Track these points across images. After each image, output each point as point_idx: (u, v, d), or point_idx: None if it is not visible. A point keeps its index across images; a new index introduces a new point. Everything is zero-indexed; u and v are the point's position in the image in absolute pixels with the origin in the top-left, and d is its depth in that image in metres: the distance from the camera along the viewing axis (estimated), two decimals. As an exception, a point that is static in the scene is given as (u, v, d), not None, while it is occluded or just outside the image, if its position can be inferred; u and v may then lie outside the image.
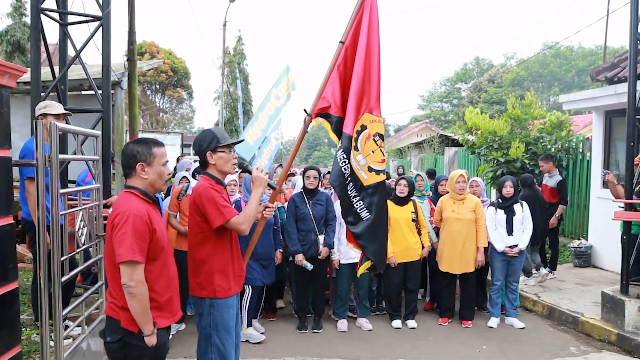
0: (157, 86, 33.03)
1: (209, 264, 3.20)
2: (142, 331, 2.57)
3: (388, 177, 9.60)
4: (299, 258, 5.55)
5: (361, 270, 3.89)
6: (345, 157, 3.55)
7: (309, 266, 5.54)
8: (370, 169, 3.51)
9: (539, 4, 64.92)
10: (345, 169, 3.55)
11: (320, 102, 3.58)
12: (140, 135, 10.87)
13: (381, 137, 3.53)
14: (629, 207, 5.88)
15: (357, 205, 3.54)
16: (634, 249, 5.90)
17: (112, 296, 2.65)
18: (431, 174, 11.23)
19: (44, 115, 4.55)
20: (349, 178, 3.55)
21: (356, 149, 3.53)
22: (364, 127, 3.53)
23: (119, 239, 2.51)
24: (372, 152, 3.51)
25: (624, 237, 5.86)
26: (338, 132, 3.62)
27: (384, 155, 3.50)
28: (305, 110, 3.69)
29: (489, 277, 6.51)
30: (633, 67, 5.80)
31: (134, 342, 2.59)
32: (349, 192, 3.56)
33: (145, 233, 2.57)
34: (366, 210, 3.52)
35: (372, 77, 3.55)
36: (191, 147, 21.85)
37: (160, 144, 2.80)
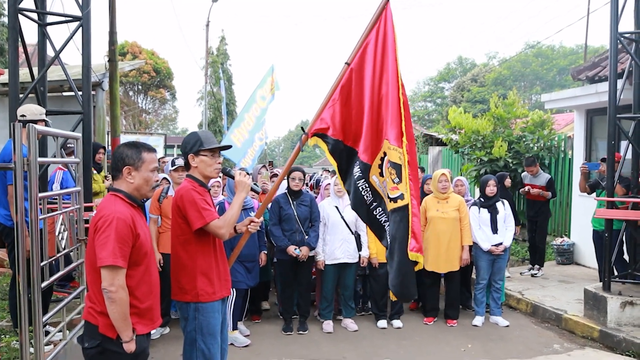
0: (140, 87, 32.72)
1: (192, 267, 3.17)
2: (121, 337, 2.52)
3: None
4: (291, 249, 5.53)
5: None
6: (366, 185, 3.51)
7: (300, 253, 5.54)
8: (388, 197, 3.48)
9: (520, 3, 65.59)
10: (367, 195, 3.52)
11: (318, 123, 3.52)
12: (122, 137, 10.74)
13: (394, 165, 3.41)
14: (611, 205, 5.95)
15: (387, 229, 3.50)
16: (601, 247, 5.98)
17: (91, 301, 2.60)
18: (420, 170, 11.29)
19: (44, 121, 4.54)
20: (374, 203, 3.52)
21: (381, 174, 3.49)
22: (385, 154, 3.48)
23: (102, 242, 2.47)
24: (387, 180, 3.49)
25: (606, 235, 5.93)
26: (335, 153, 3.55)
27: (394, 183, 3.44)
28: (302, 129, 3.65)
29: (473, 276, 6.55)
30: (614, 67, 5.87)
31: (113, 349, 2.53)
32: (378, 217, 3.53)
33: (128, 237, 2.53)
34: (389, 235, 3.49)
35: (389, 104, 3.43)
36: (175, 148, 21.73)
37: (152, 150, 2.77)
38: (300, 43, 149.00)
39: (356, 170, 3.53)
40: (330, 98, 3.54)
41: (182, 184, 3.29)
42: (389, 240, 3.46)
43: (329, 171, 13.98)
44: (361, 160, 3.51)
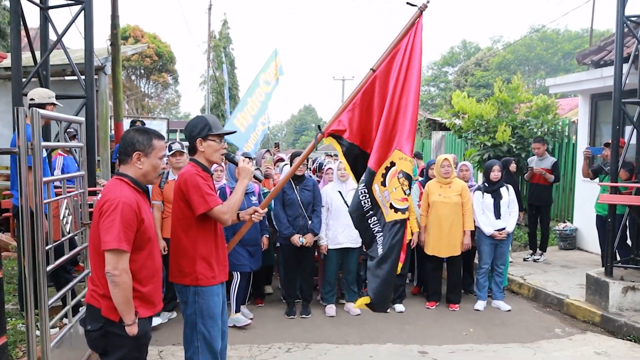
0: (142, 71, 32.63)
1: (192, 250, 3.19)
2: (124, 320, 2.54)
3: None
4: (295, 239, 5.56)
5: (357, 304, 3.83)
6: (366, 191, 3.48)
7: (304, 241, 5.58)
8: (391, 206, 3.44)
9: (525, -14, 64.78)
10: (365, 202, 3.48)
11: (335, 124, 3.49)
12: (125, 121, 10.74)
13: (406, 176, 3.41)
14: (614, 190, 5.94)
15: (379, 240, 3.48)
16: (605, 231, 5.98)
17: (93, 284, 2.62)
18: (418, 156, 11.30)
19: (53, 104, 4.53)
20: (370, 212, 3.48)
21: (383, 184, 3.46)
22: (392, 164, 3.44)
23: (107, 226, 2.48)
24: (395, 189, 3.42)
25: (609, 220, 5.93)
26: (349, 156, 3.53)
27: (405, 194, 3.41)
28: (318, 127, 3.62)
29: (475, 261, 6.56)
30: (619, 51, 5.82)
31: (115, 331, 2.56)
32: (372, 227, 3.50)
33: (133, 222, 2.54)
34: (381, 247, 3.47)
35: (407, 115, 3.41)
36: (177, 133, 21.71)
37: (161, 137, 2.78)
38: (302, 27, 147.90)
39: (364, 175, 3.51)
40: (350, 101, 3.50)
41: (185, 168, 3.29)
42: (379, 250, 3.45)
43: (332, 156, 13.98)
44: (368, 167, 3.48)
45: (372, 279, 3.48)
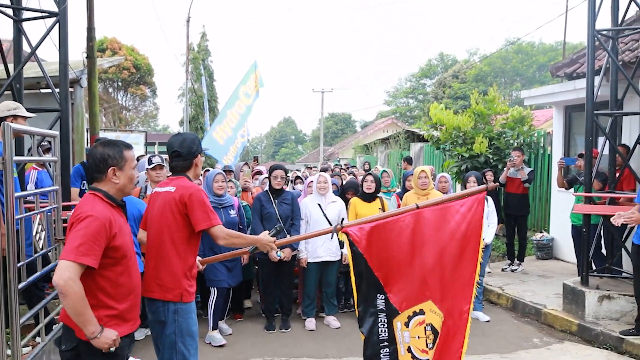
0: (120, 83, 32.33)
1: (180, 265, 3.14)
2: (85, 334, 2.42)
3: (354, 174, 9.66)
4: (273, 254, 5.45)
5: None
6: (385, 322, 3.39)
7: (282, 255, 5.52)
8: (409, 350, 3.38)
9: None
10: (382, 331, 3.40)
11: (356, 230, 3.38)
12: (102, 134, 10.61)
13: (433, 330, 3.36)
14: (588, 200, 6.03)
15: None
16: (583, 242, 6.07)
17: None
18: (409, 160, 11.36)
19: (14, 117, 4.37)
20: (386, 343, 3.39)
21: (407, 325, 3.40)
22: (422, 312, 3.38)
23: (71, 238, 2.41)
24: (418, 337, 3.37)
25: (584, 230, 6.01)
26: (356, 262, 3.39)
27: (427, 347, 3.36)
28: (342, 220, 3.57)
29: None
30: (591, 63, 5.95)
31: (89, 352, 2.47)
32: (382, 356, 3.39)
33: (101, 236, 2.44)
34: None
35: (456, 271, 3.39)
36: (155, 145, 21.50)
37: (129, 147, 2.71)
38: (281, 39, 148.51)
39: (380, 303, 3.40)
40: (380, 218, 3.45)
41: (185, 182, 3.24)
42: None
43: (310, 168, 13.99)
44: (389, 301, 3.39)
45: None
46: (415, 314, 3.39)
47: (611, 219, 5.17)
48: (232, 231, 3.33)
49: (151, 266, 3.18)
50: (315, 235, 3.96)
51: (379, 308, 3.39)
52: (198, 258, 3.43)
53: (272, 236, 3.40)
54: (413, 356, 3.36)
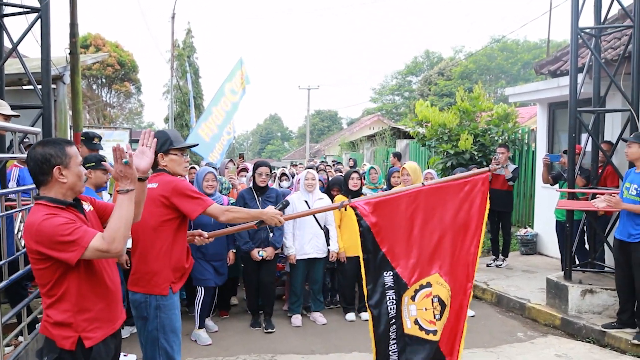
0: (104, 80, 31.97)
1: (165, 260, 3.14)
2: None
3: (340, 171, 9.67)
4: (254, 254, 5.47)
5: None
6: (393, 298, 3.44)
7: (264, 254, 5.48)
8: (416, 322, 3.43)
9: (485, -2, 66.41)
10: (391, 308, 3.44)
11: (364, 204, 3.42)
12: (85, 131, 10.48)
13: (440, 301, 3.43)
14: (572, 196, 6.10)
15: (391, 347, 3.43)
16: (567, 237, 6.14)
17: (45, 313, 2.40)
18: (398, 156, 11.38)
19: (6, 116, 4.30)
20: (393, 320, 3.45)
21: (413, 299, 3.45)
22: (428, 284, 3.45)
23: (54, 243, 2.23)
24: (425, 309, 3.43)
25: (567, 225, 6.08)
26: (364, 237, 3.42)
27: (434, 318, 3.42)
28: (350, 199, 3.56)
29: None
30: (574, 61, 6.01)
31: None
32: (390, 333, 3.45)
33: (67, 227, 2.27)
34: (396, 354, 3.43)
35: (460, 248, 3.49)
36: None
37: (71, 143, 2.50)
38: (267, 37, 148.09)
39: (388, 280, 3.44)
40: (386, 196, 3.49)
41: (165, 178, 3.24)
42: (393, 358, 3.43)
43: (296, 165, 13.96)
44: (399, 276, 3.45)
45: None
46: (421, 287, 3.45)
47: (592, 202, 5.26)
48: (230, 206, 3.34)
49: (139, 260, 3.18)
50: (323, 210, 3.98)
51: (387, 285, 3.43)
52: (205, 232, 3.49)
53: (279, 210, 3.42)
54: (421, 327, 3.41)
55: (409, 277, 3.43)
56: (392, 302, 3.42)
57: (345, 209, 3.44)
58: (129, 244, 3.20)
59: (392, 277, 3.43)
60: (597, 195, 5.47)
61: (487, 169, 3.61)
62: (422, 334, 3.43)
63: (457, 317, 3.54)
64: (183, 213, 3.20)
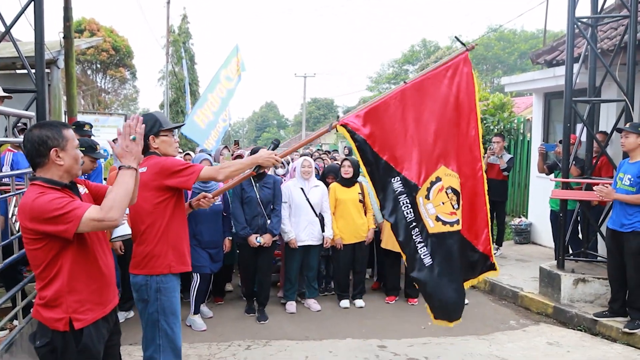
0: (98, 65, 31.72)
1: (164, 238, 3.16)
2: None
3: (335, 159, 9.66)
4: (252, 240, 5.43)
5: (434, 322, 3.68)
6: (408, 202, 3.45)
7: (262, 241, 5.46)
8: (437, 219, 3.44)
9: (483, -13, 66.05)
10: (407, 212, 3.45)
11: (353, 118, 3.43)
12: (80, 117, 10.44)
13: (454, 191, 3.46)
14: (566, 186, 6.13)
15: (421, 251, 3.46)
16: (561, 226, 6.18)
17: (38, 296, 2.41)
18: None
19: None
20: (414, 223, 3.46)
21: (427, 197, 3.45)
22: (438, 179, 3.45)
23: (49, 220, 2.24)
24: (443, 203, 3.44)
25: (561, 215, 6.12)
26: (363, 153, 3.44)
27: (453, 209, 3.44)
28: (337, 117, 3.59)
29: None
30: (570, 51, 6.00)
31: (64, 345, 2.38)
32: (414, 237, 3.47)
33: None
34: (429, 257, 3.45)
35: (459, 134, 3.48)
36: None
37: (67, 126, 2.51)
38: (263, 23, 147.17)
39: (397, 186, 3.45)
40: (372, 104, 3.47)
41: (154, 160, 3.22)
42: (427, 260, 3.45)
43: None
44: (407, 178, 3.45)
45: (434, 291, 3.49)
46: (432, 183, 3.46)
47: (594, 188, 5.26)
48: (224, 163, 3.28)
49: (136, 246, 3.20)
50: (316, 137, 3.89)
51: (397, 191, 3.45)
52: (209, 194, 3.50)
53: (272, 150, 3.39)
54: (444, 222, 3.44)
55: (417, 177, 3.44)
56: (407, 205, 3.44)
57: (336, 130, 3.42)
58: (129, 230, 3.21)
59: (400, 181, 3.44)
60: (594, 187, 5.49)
61: (464, 48, 3.53)
62: (447, 228, 3.45)
63: (471, 203, 3.56)
64: (179, 188, 3.19)
